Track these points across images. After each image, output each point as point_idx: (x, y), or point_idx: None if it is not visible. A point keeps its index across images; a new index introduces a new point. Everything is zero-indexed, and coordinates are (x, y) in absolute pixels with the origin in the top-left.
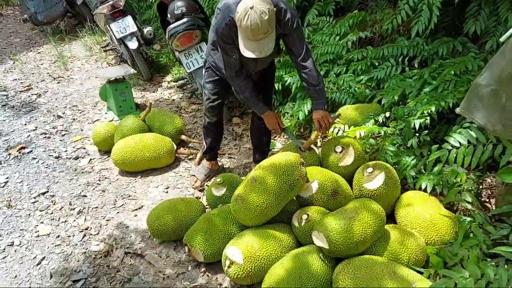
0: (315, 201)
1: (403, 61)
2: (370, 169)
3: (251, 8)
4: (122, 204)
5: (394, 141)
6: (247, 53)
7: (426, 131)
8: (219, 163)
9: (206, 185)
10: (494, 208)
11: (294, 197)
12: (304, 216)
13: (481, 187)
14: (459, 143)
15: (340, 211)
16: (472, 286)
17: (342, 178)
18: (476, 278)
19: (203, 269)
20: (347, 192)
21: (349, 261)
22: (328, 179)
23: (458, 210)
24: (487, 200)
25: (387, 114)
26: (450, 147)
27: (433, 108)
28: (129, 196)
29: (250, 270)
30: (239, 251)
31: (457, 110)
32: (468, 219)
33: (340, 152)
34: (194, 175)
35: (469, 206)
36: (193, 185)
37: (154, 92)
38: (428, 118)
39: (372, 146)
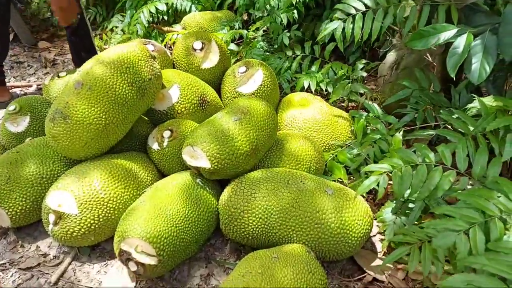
0: (177, 114)
1: None
2: (242, 68)
3: None
4: None
5: (259, 44)
6: None
7: (296, 25)
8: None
9: None
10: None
11: (146, 116)
12: (166, 133)
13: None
14: (355, 8)
15: (220, 114)
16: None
17: (207, 84)
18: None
19: (13, 238)
20: (216, 102)
21: (241, 180)
22: (191, 82)
23: (346, 107)
24: None
25: (245, 17)
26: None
27: None
28: None
29: (91, 222)
30: (69, 196)
31: None
32: (364, 114)
33: (201, 50)
34: None
35: (362, 99)
36: None
37: None
38: (296, 11)
39: (235, 52)
